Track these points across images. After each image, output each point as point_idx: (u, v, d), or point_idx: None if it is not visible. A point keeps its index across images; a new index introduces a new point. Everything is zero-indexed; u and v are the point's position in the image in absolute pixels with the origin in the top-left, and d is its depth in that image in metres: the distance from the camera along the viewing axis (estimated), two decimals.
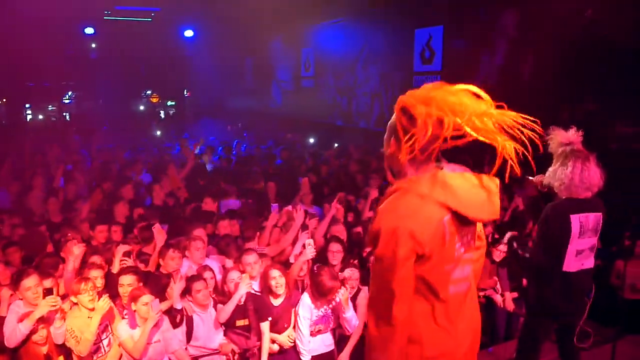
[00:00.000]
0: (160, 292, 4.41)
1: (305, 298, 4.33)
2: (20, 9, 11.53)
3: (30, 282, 3.97)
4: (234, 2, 11.91)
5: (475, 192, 1.91)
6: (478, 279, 2.12)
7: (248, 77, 17.38)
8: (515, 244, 3.76)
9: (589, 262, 3.56)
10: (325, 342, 4.44)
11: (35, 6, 11.40)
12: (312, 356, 4.34)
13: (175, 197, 7.57)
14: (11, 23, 11.96)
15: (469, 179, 1.93)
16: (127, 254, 4.83)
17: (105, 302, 3.85)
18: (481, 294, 5.35)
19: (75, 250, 4.46)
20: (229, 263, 5.08)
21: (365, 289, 4.56)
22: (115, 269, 4.71)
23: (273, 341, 4.41)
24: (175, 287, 4.33)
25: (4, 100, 18.19)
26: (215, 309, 4.43)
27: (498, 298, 5.34)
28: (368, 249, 4.98)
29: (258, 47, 15.28)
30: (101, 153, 10.74)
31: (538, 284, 3.65)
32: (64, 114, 21.93)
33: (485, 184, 1.94)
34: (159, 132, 16.54)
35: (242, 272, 4.55)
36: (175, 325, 4.24)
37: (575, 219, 3.40)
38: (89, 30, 15.61)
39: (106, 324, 4.09)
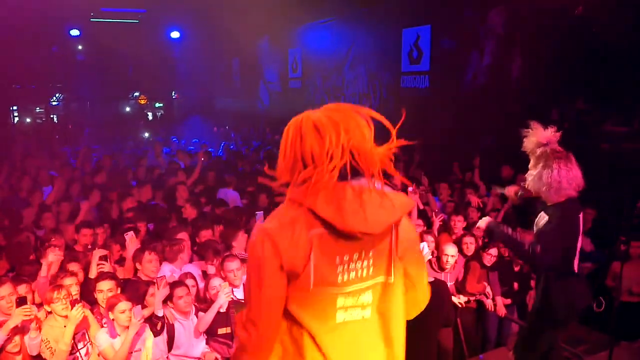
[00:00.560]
0: (139, 299, 4.25)
1: None
2: (4, 11, 11.31)
3: (3, 291, 3.82)
4: (221, 3, 11.79)
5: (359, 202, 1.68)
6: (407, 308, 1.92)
7: (235, 78, 17.25)
8: (506, 229, 3.55)
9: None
10: None
11: (19, 7, 11.20)
12: None
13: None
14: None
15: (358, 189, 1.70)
16: (103, 258, 4.66)
17: (78, 312, 3.70)
18: (472, 298, 5.24)
19: (50, 257, 4.30)
20: (211, 269, 4.94)
21: None
22: (92, 274, 4.55)
23: None
24: (158, 294, 4.16)
25: None
26: (197, 317, 4.30)
27: (489, 303, 5.22)
28: None
29: (245, 48, 15.15)
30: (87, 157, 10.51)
31: (549, 287, 3.50)
32: (51, 115, 21.70)
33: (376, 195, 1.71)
34: (146, 134, 16.37)
35: (224, 279, 4.42)
36: (156, 333, 4.09)
37: (580, 219, 3.31)
38: (75, 32, 15.39)
39: (83, 332, 3.95)
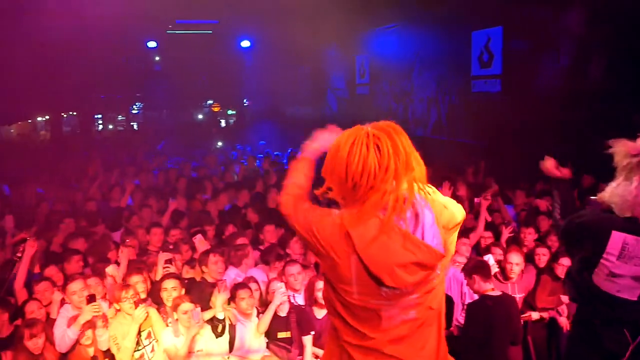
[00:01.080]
0: (204, 301, 4.37)
1: None
2: (90, 25, 12.09)
3: (76, 286, 4.05)
4: (289, 11, 11.96)
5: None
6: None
7: (304, 85, 17.45)
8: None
9: (631, 294, 2.90)
10: None
11: (101, 22, 11.93)
12: None
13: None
14: (81, 39, 12.58)
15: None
16: (169, 261, 4.83)
17: (141, 311, 3.85)
18: (544, 314, 4.92)
19: (120, 257, 4.51)
20: (273, 274, 4.98)
21: None
22: (158, 276, 4.72)
23: (316, 355, 4.27)
24: (219, 297, 4.25)
25: (75, 112, 19.19)
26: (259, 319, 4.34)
27: (563, 321, 4.84)
28: None
29: (313, 55, 15.30)
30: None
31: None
32: (132, 123, 23.00)
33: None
34: (219, 143, 16.89)
35: (285, 283, 4.45)
36: (217, 335, 4.17)
37: (618, 237, 2.85)
38: (152, 44, 16.19)
39: (149, 331, 4.09)
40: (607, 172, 3.19)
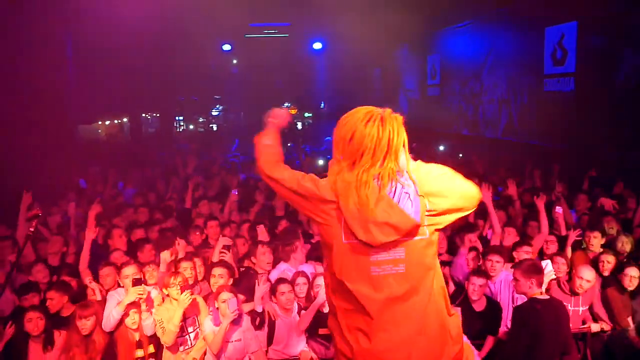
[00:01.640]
0: (251, 291, 4.44)
1: None
2: (169, 29, 12.76)
3: (129, 271, 4.27)
4: (360, 13, 11.95)
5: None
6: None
7: (376, 86, 17.37)
8: None
9: None
10: None
11: (180, 27, 12.56)
12: None
13: None
14: (163, 46, 13.34)
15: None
16: (226, 248, 4.96)
17: (187, 297, 3.97)
18: (605, 326, 4.57)
19: (178, 250, 4.72)
20: (320, 269, 4.98)
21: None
22: (215, 258, 4.89)
23: None
24: (258, 290, 4.32)
25: (158, 114, 20.30)
26: (299, 316, 4.36)
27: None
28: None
29: (385, 57, 15.19)
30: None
31: None
32: (211, 125, 23.97)
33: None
34: (291, 143, 17.16)
35: None
36: (255, 327, 4.23)
37: None
38: (227, 47, 16.72)
39: (194, 317, 4.23)
40: None
